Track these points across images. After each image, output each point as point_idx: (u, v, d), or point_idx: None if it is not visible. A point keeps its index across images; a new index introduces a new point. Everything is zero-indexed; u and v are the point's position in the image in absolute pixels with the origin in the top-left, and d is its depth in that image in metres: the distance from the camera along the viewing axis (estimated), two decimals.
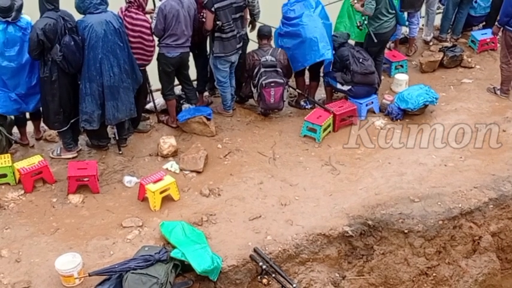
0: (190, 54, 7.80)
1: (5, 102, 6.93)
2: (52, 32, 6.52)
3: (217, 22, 7.46)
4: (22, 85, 6.89)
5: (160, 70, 7.63)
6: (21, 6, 6.72)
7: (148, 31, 7.21)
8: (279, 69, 7.88)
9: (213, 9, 7.37)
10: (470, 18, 9.99)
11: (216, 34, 7.58)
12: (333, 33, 8.35)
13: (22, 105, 7.04)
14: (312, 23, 7.93)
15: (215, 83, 8.14)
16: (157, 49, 7.50)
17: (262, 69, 7.83)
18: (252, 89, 8.02)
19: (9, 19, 6.62)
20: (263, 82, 7.79)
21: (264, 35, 7.99)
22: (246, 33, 8.22)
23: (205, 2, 7.41)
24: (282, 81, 7.87)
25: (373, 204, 6.80)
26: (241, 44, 7.87)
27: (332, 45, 8.16)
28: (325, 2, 8.59)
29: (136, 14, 7.12)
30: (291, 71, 8.20)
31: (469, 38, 10.03)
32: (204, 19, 7.52)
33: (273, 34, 8.22)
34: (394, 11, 8.26)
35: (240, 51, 7.93)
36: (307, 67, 8.35)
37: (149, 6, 7.57)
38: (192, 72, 8.15)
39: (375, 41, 8.21)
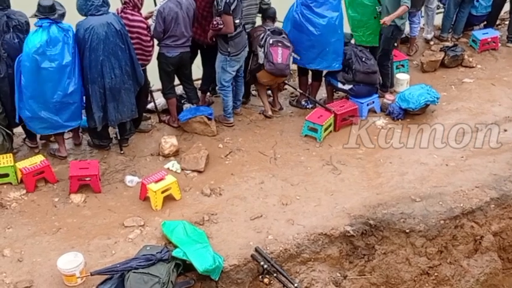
0: (198, 53, 7.77)
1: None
2: None
3: (236, 21, 7.37)
4: (59, 91, 6.69)
5: (160, 69, 7.64)
6: (64, 14, 6.67)
7: (145, 31, 7.21)
8: (285, 36, 7.82)
9: (230, 11, 7.27)
10: (472, 17, 9.97)
11: (229, 35, 7.46)
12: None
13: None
14: (330, 32, 7.84)
15: (217, 88, 8.08)
16: (157, 48, 7.51)
17: (270, 35, 7.71)
18: (259, 53, 7.74)
19: (53, 18, 6.54)
20: (270, 40, 7.66)
21: (269, 16, 7.98)
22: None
23: (222, 9, 7.25)
24: (289, 45, 7.76)
25: (374, 203, 6.80)
26: (245, 32, 7.70)
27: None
28: None
29: (133, 15, 7.13)
30: None
31: (470, 38, 10.01)
32: (220, 26, 7.32)
33: (277, 17, 8.13)
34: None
35: (247, 47, 7.77)
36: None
37: (149, 9, 7.57)
38: (196, 72, 8.15)
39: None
